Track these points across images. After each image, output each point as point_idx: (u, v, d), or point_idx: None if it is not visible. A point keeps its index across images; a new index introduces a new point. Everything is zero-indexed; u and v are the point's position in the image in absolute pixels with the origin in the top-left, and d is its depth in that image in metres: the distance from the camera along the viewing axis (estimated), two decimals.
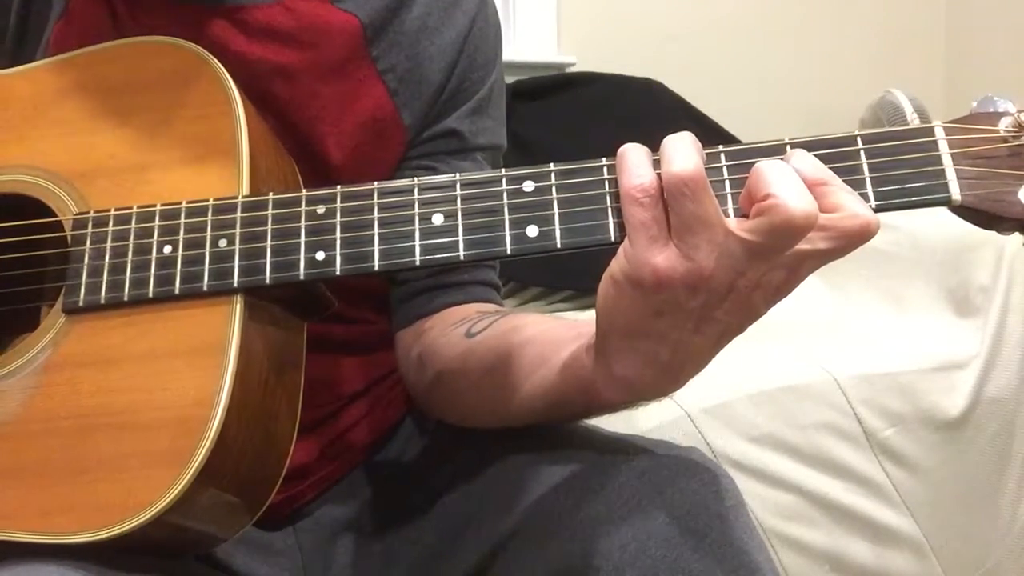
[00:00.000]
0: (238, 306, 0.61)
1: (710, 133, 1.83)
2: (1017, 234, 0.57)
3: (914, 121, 0.55)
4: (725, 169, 0.57)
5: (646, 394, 0.62)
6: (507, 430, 0.78)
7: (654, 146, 0.57)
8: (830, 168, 0.55)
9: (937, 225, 1.58)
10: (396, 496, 0.83)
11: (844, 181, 0.55)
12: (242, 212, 0.63)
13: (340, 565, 0.81)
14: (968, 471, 1.45)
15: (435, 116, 0.84)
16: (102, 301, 0.63)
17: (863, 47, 2.37)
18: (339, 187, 0.63)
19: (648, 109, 1.95)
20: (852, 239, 0.53)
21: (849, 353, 1.45)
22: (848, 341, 1.51)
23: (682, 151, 0.53)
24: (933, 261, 1.56)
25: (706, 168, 0.54)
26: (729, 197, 0.56)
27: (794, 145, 0.56)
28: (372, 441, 0.87)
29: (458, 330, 0.78)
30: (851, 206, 0.53)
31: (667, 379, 0.60)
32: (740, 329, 0.57)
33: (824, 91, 2.23)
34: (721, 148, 0.58)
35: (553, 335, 0.69)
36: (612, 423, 0.80)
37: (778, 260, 0.53)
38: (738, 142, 0.59)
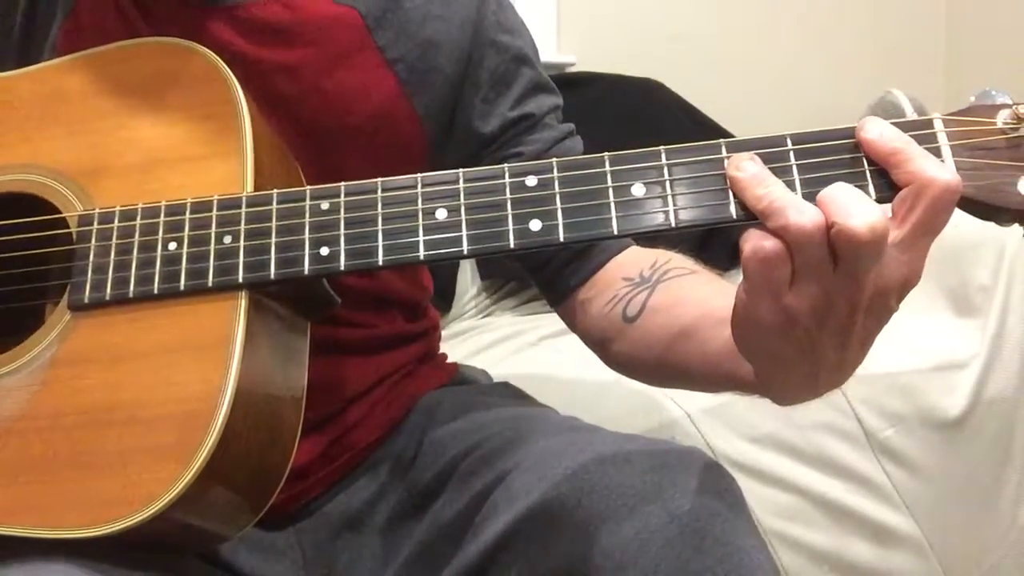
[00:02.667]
0: (243, 302, 0.62)
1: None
2: (1018, 229, 0.57)
3: None
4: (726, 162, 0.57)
5: (809, 397, 0.63)
6: (506, 431, 0.78)
7: (654, 146, 0.58)
8: (830, 160, 0.56)
9: None
10: (397, 495, 0.83)
11: (846, 174, 0.56)
12: (247, 208, 0.64)
13: (341, 564, 0.81)
14: (968, 471, 1.44)
15: (485, 108, 0.85)
16: (107, 298, 0.64)
17: (863, 47, 2.37)
18: (343, 183, 0.63)
19: (648, 109, 1.95)
20: (937, 205, 0.52)
21: None
22: None
23: (802, 204, 0.53)
24: (933, 261, 1.55)
25: (705, 160, 0.56)
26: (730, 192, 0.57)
27: (794, 139, 0.57)
28: (374, 441, 0.87)
29: (615, 311, 0.78)
30: (925, 173, 0.53)
31: (826, 386, 0.60)
32: (882, 326, 0.57)
33: (824, 91, 2.23)
34: (722, 142, 0.58)
35: (709, 320, 0.69)
36: (613, 423, 0.80)
37: (880, 265, 0.52)
38: None
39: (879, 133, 0.55)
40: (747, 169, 0.55)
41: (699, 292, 0.74)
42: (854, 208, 0.51)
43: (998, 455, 1.47)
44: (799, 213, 0.52)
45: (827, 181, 0.55)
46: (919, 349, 1.46)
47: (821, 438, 1.35)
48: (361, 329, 0.87)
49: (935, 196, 0.52)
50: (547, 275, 0.85)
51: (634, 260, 0.81)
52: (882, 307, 0.54)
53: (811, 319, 0.53)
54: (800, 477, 1.33)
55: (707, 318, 0.69)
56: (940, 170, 0.53)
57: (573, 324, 0.86)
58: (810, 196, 0.55)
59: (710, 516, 0.63)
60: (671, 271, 0.78)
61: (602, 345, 0.82)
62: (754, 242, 0.52)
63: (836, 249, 0.52)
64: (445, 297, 1.64)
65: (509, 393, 0.92)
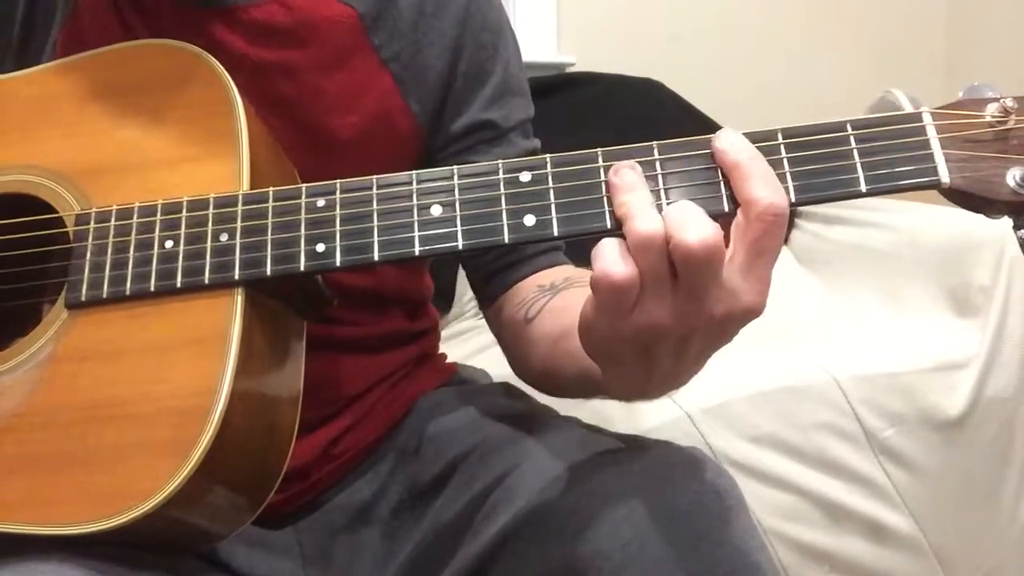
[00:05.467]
0: (239, 298, 0.62)
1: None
2: (1007, 221, 0.58)
3: None
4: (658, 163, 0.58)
5: (649, 398, 0.63)
6: (506, 431, 0.78)
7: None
8: (821, 153, 0.57)
9: (937, 225, 1.58)
10: (397, 495, 0.83)
11: (835, 167, 0.56)
12: (243, 206, 0.64)
13: (340, 564, 0.81)
14: (968, 471, 1.45)
15: (456, 105, 0.86)
16: (104, 295, 0.64)
17: (863, 47, 2.37)
18: (338, 180, 0.63)
19: (648, 109, 1.95)
20: (763, 225, 0.53)
21: (849, 353, 1.45)
22: (848, 341, 1.51)
23: (648, 215, 0.53)
24: (933, 261, 1.56)
25: (697, 155, 0.58)
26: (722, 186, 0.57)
27: (785, 133, 0.57)
28: (373, 440, 0.87)
29: (519, 314, 0.81)
30: (751, 192, 0.54)
31: (659, 389, 0.61)
32: (720, 347, 0.57)
33: (824, 91, 2.23)
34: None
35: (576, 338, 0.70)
36: (613, 423, 0.80)
37: (721, 289, 0.53)
38: None
39: (728, 144, 0.56)
40: (624, 176, 0.56)
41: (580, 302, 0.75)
42: (690, 223, 0.52)
43: (998, 455, 1.48)
44: (643, 222, 0.53)
45: (818, 174, 0.56)
46: (919, 349, 1.47)
47: (821, 438, 1.35)
48: (360, 328, 0.87)
49: (758, 215, 0.53)
50: (480, 279, 0.88)
51: (553, 272, 0.84)
52: (720, 332, 0.55)
53: (649, 334, 0.54)
54: (800, 477, 1.33)
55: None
56: (765, 189, 0.53)
57: (494, 327, 0.89)
58: (800, 188, 0.56)
59: (710, 517, 0.63)
60: (578, 281, 0.79)
61: (507, 348, 0.86)
62: (605, 265, 0.53)
63: (675, 263, 0.52)
64: (445, 297, 1.64)
65: (509, 393, 0.92)
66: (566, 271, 0.84)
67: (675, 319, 0.53)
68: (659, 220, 0.52)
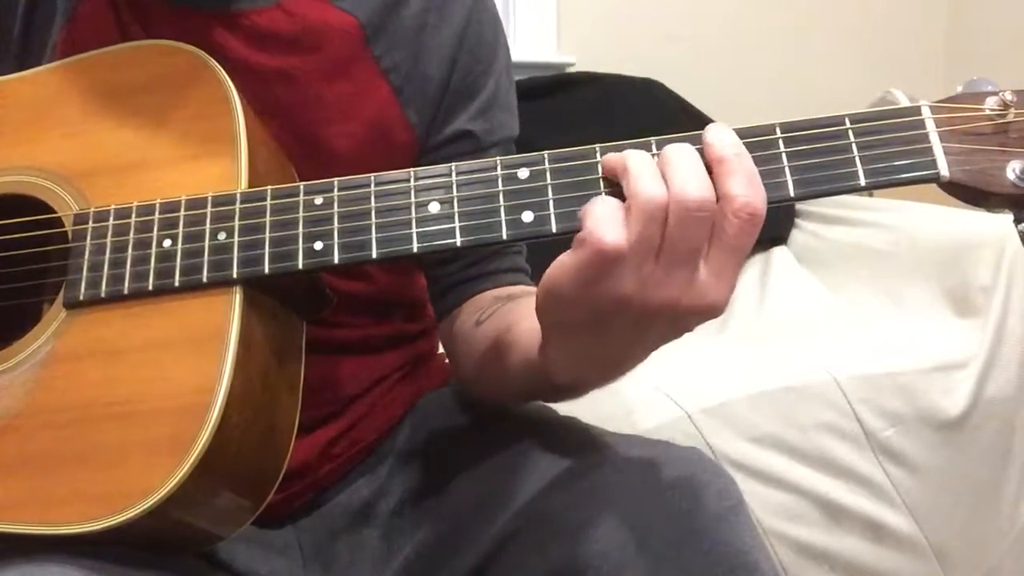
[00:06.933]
0: (237, 296, 0.62)
1: None
2: (1008, 215, 0.58)
3: None
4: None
5: (589, 385, 0.64)
6: (506, 431, 0.78)
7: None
8: (820, 147, 0.57)
9: (937, 225, 1.58)
10: (396, 495, 0.83)
11: (833, 161, 0.57)
12: (241, 204, 0.64)
13: (340, 564, 0.81)
14: (968, 471, 1.44)
15: (444, 116, 0.85)
16: (103, 295, 0.64)
17: (863, 47, 2.37)
18: (336, 179, 0.63)
19: (648, 109, 1.96)
20: (736, 221, 0.53)
21: (849, 353, 1.45)
22: (848, 341, 1.51)
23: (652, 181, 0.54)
24: (933, 261, 1.56)
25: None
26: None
27: (783, 127, 0.57)
28: (373, 440, 0.87)
29: (471, 319, 0.81)
30: (729, 189, 0.54)
31: (600, 372, 0.61)
32: (672, 339, 0.57)
33: (824, 91, 2.23)
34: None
35: (524, 326, 0.70)
36: (613, 423, 0.80)
37: (693, 279, 0.53)
38: None
39: (716, 139, 0.56)
40: (617, 155, 0.57)
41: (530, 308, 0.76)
42: (689, 180, 0.53)
43: (998, 455, 1.48)
44: (648, 184, 0.53)
45: (816, 168, 0.56)
46: (919, 349, 1.47)
47: (821, 438, 1.35)
48: (358, 331, 0.87)
49: (734, 211, 0.53)
50: (440, 289, 0.87)
51: (513, 289, 0.84)
52: (680, 323, 0.55)
53: (611, 306, 0.54)
54: (800, 477, 1.33)
55: (523, 324, 0.70)
56: (745, 187, 0.53)
57: (445, 338, 0.88)
58: (799, 182, 0.56)
59: (710, 517, 0.63)
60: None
61: (453, 357, 0.85)
62: (597, 224, 0.53)
63: (668, 221, 0.53)
64: None
65: None
66: (528, 289, 0.83)
67: (640, 293, 0.53)
68: (663, 186, 0.53)
